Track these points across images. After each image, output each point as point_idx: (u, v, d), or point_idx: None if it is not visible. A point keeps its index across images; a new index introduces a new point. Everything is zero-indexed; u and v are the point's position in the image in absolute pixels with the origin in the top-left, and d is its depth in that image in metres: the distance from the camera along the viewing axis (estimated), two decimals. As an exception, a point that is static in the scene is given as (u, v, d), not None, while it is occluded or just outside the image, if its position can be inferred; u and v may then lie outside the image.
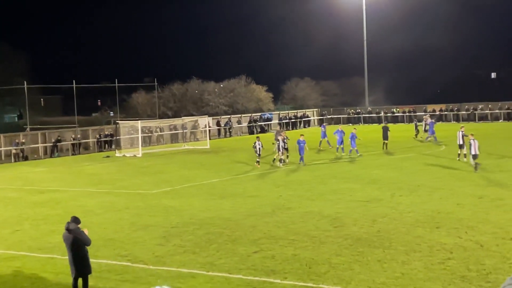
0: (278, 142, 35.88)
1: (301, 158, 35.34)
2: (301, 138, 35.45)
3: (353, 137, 38.28)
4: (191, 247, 17.06)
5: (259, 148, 36.43)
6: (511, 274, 12.94)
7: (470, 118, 72.47)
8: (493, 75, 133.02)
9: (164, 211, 22.79)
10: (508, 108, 70.96)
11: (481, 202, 21.40)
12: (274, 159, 36.48)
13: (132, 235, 18.97)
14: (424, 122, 47.96)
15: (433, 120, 48.20)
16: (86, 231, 13.13)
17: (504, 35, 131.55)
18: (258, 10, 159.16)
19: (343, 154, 39.32)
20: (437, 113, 73.55)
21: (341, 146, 39.80)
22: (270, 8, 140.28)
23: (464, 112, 73.60)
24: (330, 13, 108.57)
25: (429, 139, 45.16)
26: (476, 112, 72.58)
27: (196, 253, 16.39)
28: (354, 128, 40.38)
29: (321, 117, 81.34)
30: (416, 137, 48.54)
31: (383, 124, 47.33)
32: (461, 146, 33.13)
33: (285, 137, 36.99)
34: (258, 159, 36.16)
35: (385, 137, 41.33)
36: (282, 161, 35.68)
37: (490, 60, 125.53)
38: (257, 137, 40.79)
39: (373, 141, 48.41)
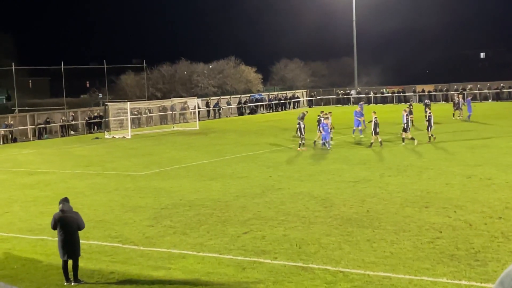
0: (319, 125, 33.81)
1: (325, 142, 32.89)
2: (325, 121, 32.89)
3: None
4: (181, 228, 17.09)
5: (303, 128, 33.52)
6: (499, 253, 13.09)
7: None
8: (482, 55, 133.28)
9: (154, 192, 22.79)
10: (497, 88, 71.19)
11: (469, 181, 21.54)
12: (315, 141, 34.40)
13: (122, 217, 18.98)
14: (457, 101, 47.27)
15: (469, 98, 48.74)
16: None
17: (493, 14, 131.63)
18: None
19: (361, 136, 37.47)
20: (426, 93, 73.72)
21: (359, 128, 38.23)
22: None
23: (453, 92, 73.78)
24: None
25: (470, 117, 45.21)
26: (465, 92, 72.77)
27: (186, 234, 16.43)
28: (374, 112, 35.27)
29: (310, 98, 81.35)
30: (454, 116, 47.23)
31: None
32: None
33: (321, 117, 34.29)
34: (302, 141, 33.33)
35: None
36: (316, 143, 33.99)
37: (479, 40, 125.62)
38: (303, 114, 38.61)
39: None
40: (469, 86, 73.51)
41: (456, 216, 16.56)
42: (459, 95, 49.47)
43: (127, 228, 17.45)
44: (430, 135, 33.46)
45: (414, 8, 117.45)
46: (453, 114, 47.19)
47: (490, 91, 71.36)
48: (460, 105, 46.92)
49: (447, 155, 28.37)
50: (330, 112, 37.32)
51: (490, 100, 70.75)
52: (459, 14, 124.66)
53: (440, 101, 71.56)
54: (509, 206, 17.29)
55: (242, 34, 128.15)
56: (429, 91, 74.82)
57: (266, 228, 16.48)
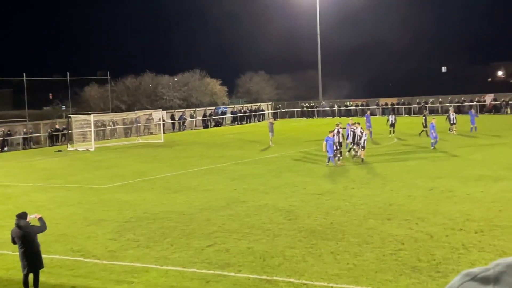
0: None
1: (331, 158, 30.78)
2: (330, 135, 30.90)
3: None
4: (144, 241, 16.97)
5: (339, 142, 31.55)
6: (460, 264, 13.27)
7: (421, 111, 73.66)
8: (444, 69, 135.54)
9: (118, 205, 22.59)
10: (458, 102, 72.36)
11: (431, 193, 21.82)
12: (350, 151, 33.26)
13: (84, 230, 18.77)
14: (452, 116, 45.44)
15: (471, 111, 48.59)
16: (37, 216, 13.05)
17: (454, 29, 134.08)
18: (213, 3, 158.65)
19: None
20: (389, 106, 74.60)
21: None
22: (225, 1, 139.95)
23: (416, 105, 74.81)
24: (284, 7, 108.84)
25: (473, 131, 44.87)
26: (427, 105, 73.83)
27: (150, 247, 16.31)
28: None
29: (276, 111, 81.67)
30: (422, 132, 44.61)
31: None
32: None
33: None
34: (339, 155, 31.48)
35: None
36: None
37: (441, 54, 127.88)
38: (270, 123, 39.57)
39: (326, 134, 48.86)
40: (431, 100, 74.65)
41: (418, 228, 16.75)
42: (452, 110, 48.63)
43: (89, 242, 17.25)
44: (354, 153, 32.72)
45: (378, 23, 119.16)
46: (449, 128, 45.26)
47: (452, 104, 72.47)
48: (454, 120, 45.25)
49: (410, 168, 28.71)
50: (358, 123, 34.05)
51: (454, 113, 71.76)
52: (422, 29, 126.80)
53: (403, 114, 72.37)
54: (469, 218, 17.55)
55: (207, 46, 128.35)
56: (392, 104, 75.76)
57: (231, 241, 16.45)
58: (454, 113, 46.50)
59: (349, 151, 33.28)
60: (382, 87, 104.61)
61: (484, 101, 70.92)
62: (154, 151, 44.09)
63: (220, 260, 14.72)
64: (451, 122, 45.17)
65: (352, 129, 32.74)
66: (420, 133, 43.62)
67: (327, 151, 30.28)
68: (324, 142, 30.50)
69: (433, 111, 73.13)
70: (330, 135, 30.63)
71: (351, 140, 32.88)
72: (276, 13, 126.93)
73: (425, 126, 42.89)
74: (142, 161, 37.67)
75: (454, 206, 19.45)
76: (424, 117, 45.18)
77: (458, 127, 44.55)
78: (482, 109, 67.81)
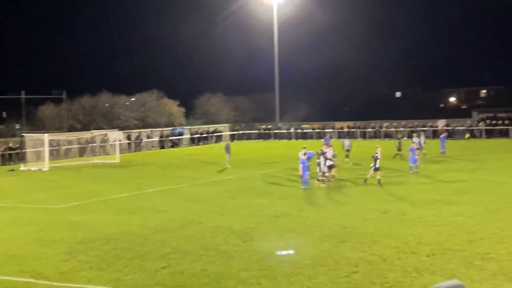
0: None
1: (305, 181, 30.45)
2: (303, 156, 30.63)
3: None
4: (97, 263, 16.74)
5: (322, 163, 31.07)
6: (412, 287, 13.45)
7: (376, 136, 74.74)
8: (398, 94, 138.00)
9: (70, 226, 22.26)
10: (411, 127, 73.60)
11: (385, 217, 22.08)
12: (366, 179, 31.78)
13: (36, 251, 18.43)
14: (417, 141, 43.35)
15: (445, 135, 48.64)
16: None
17: (409, 56, 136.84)
18: (171, 25, 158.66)
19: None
20: (345, 129, 75.50)
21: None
22: (183, 23, 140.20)
23: (371, 130, 75.86)
24: (242, 30, 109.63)
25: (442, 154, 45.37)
26: (381, 129, 74.95)
27: (102, 269, 16.09)
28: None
29: (233, 132, 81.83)
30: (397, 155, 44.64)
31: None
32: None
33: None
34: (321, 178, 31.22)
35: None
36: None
37: (395, 80, 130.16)
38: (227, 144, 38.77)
39: (284, 156, 49.17)
40: (385, 124, 75.82)
41: (372, 251, 16.91)
42: (418, 135, 47.94)
43: (41, 263, 16.94)
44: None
45: (334, 48, 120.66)
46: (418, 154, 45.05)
47: (406, 129, 73.70)
48: (421, 144, 44.43)
49: (365, 191, 29.01)
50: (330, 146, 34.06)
51: (405, 138, 72.94)
52: (378, 55, 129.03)
53: (358, 138, 73.19)
54: (421, 242, 17.81)
55: (165, 67, 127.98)
56: (348, 127, 76.73)
57: (185, 263, 16.35)
58: (423, 138, 46.38)
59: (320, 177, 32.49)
60: (338, 111, 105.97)
61: (437, 126, 72.31)
62: (109, 171, 43.65)
63: (175, 282, 14.61)
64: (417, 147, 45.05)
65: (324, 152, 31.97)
66: (394, 156, 44.08)
67: (302, 175, 30.45)
68: (300, 165, 30.61)
69: (387, 135, 74.25)
70: (304, 157, 30.75)
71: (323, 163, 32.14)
72: (234, 35, 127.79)
73: (400, 150, 43.44)
74: (96, 182, 37.24)
75: (407, 229, 19.71)
76: (398, 141, 45.78)
77: (420, 151, 44.81)
78: (435, 134, 68.99)
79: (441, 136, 48.24)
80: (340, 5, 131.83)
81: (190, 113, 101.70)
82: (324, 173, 31.04)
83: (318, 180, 31.00)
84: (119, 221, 22.87)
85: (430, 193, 27.33)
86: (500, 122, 71.19)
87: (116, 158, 53.06)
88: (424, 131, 63.34)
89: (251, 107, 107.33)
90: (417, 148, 43.95)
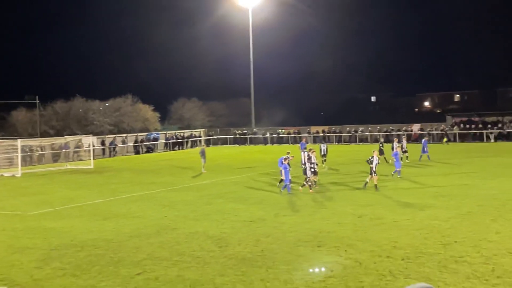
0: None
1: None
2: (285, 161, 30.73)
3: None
4: (71, 269, 16.55)
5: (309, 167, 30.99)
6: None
7: (351, 140, 75.18)
8: (373, 98, 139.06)
9: (44, 233, 22.00)
10: (386, 131, 74.13)
11: (360, 221, 22.15)
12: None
13: (8, 258, 18.16)
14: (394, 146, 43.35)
15: (425, 139, 48.54)
16: None
17: (384, 61, 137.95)
18: (146, 30, 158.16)
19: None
20: (320, 134, 75.79)
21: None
22: (158, 27, 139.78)
23: (346, 134, 76.26)
24: (218, 35, 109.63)
25: (422, 158, 45.34)
26: (357, 134, 75.38)
27: (76, 276, 15.91)
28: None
29: (208, 137, 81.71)
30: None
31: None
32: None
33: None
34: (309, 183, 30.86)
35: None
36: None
37: (371, 85, 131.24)
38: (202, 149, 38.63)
39: (259, 161, 49.17)
40: (360, 128, 76.29)
41: (347, 255, 16.95)
42: (399, 139, 47.70)
43: (13, 270, 16.69)
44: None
45: (309, 53, 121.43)
46: (401, 157, 42.75)
47: (380, 133, 74.20)
48: (405, 147, 44.94)
49: (341, 195, 29.09)
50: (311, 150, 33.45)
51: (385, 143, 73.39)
52: (354, 60, 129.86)
53: (333, 142, 73.55)
54: (396, 245, 17.89)
55: (140, 72, 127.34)
56: (323, 131, 77.05)
57: (160, 269, 16.24)
58: (405, 141, 46.38)
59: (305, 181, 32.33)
60: (313, 115, 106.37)
61: (411, 130, 72.93)
62: (83, 177, 43.29)
63: (149, 289, 14.50)
64: (403, 150, 44.99)
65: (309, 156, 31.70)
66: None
67: (284, 179, 30.40)
68: (282, 170, 30.64)
69: (362, 140, 74.71)
70: (286, 162, 30.70)
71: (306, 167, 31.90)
72: (210, 40, 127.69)
73: (382, 154, 43.48)
74: (70, 188, 36.89)
75: (382, 233, 19.80)
76: (381, 144, 45.97)
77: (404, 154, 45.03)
78: (409, 138, 69.56)
79: (423, 140, 48.33)
80: (315, 10, 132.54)
81: (165, 118, 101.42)
82: (309, 178, 30.90)
83: (303, 185, 30.92)
84: (94, 228, 22.66)
85: (405, 197, 27.50)
86: (473, 126, 72.01)
87: (90, 163, 52.63)
88: (404, 135, 63.77)
89: (227, 112, 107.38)
90: (404, 152, 44.49)
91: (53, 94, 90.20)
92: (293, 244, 18.61)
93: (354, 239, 18.98)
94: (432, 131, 72.17)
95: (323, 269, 15.05)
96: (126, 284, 14.99)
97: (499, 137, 69.51)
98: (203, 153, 43.49)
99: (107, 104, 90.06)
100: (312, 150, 32.64)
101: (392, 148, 42.52)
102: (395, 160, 36.26)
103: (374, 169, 30.56)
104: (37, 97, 76.36)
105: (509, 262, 15.56)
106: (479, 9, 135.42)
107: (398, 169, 35.57)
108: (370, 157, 30.96)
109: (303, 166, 31.54)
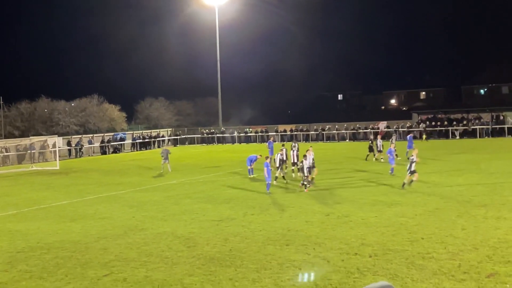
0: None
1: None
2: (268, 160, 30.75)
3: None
4: (38, 272, 16.33)
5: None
6: (355, 288, 13.57)
7: (318, 138, 75.53)
8: (340, 96, 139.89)
9: (9, 235, 21.68)
10: (353, 129, 74.66)
11: (328, 219, 22.26)
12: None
13: (-27, 262, 17.85)
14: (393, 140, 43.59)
15: (410, 135, 48.28)
16: None
17: (350, 59, 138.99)
18: (112, 29, 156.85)
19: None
20: (288, 133, 76.01)
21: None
22: (125, 27, 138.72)
23: (313, 132, 76.59)
24: (184, 34, 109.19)
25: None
26: (324, 132, 75.77)
27: (43, 278, 15.71)
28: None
29: (176, 137, 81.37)
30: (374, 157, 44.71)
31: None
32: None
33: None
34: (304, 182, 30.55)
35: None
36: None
37: (337, 83, 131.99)
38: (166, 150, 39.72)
39: (227, 160, 49.13)
40: (327, 127, 76.69)
41: (315, 253, 17.02)
42: (376, 138, 47.54)
43: (-22, 274, 16.41)
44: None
45: (276, 52, 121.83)
46: (367, 155, 45.19)
47: (347, 131, 74.73)
48: (379, 147, 44.51)
49: (309, 194, 29.20)
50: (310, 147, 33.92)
51: (347, 140, 74.00)
52: (320, 59, 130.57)
53: (301, 141, 73.83)
54: (364, 243, 18.03)
55: (106, 72, 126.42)
56: (291, 130, 77.27)
57: (128, 270, 16.12)
58: (380, 140, 45.95)
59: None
60: (281, 114, 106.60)
61: (378, 128, 73.56)
62: (49, 179, 42.77)
63: (117, 290, 14.37)
64: (378, 149, 44.59)
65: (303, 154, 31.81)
66: (367, 157, 44.61)
67: (266, 177, 30.12)
68: (265, 168, 30.31)
69: (329, 138, 75.13)
70: (267, 160, 30.64)
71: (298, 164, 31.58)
72: (177, 40, 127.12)
73: (371, 151, 43.88)
74: (36, 189, 36.42)
75: (350, 231, 19.93)
76: (371, 142, 46.26)
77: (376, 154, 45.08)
78: (376, 136, 70.12)
79: (408, 136, 48.51)
80: (281, 9, 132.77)
81: (132, 118, 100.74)
82: (307, 177, 30.80)
83: (303, 184, 30.82)
84: (60, 229, 22.40)
85: (373, 195, 27.72)
86: (439, 123, 72.93)
87: (56, 165, 52.01)
88: (395, 132, 64.54)
89: (194, 111, 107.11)
90: (379, 151, 44.73)
91: (18, 95, 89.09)
92: (261, 243, 18.63)
93: (322, 237, 19.07)
94: (398, 128, 72.85)
95: (312, 275, 14.97)
96: (93, 285, 14.85)
97: (465, 134, 70.51)
98: (165, 154, 43.29)
99: (72, 104, 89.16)
100: (308, 151, 32.41)
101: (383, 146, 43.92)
102: (390, 157, 36.18)
103: (412, 168, 28.78)
104: (0, 97, 75.27)
105: (475, 258, 15.79)
106: (445, 9, 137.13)
107: (393, 166, 35.54)
108: (411, 156, 29.68)
109: (297, 165, 31.55)
